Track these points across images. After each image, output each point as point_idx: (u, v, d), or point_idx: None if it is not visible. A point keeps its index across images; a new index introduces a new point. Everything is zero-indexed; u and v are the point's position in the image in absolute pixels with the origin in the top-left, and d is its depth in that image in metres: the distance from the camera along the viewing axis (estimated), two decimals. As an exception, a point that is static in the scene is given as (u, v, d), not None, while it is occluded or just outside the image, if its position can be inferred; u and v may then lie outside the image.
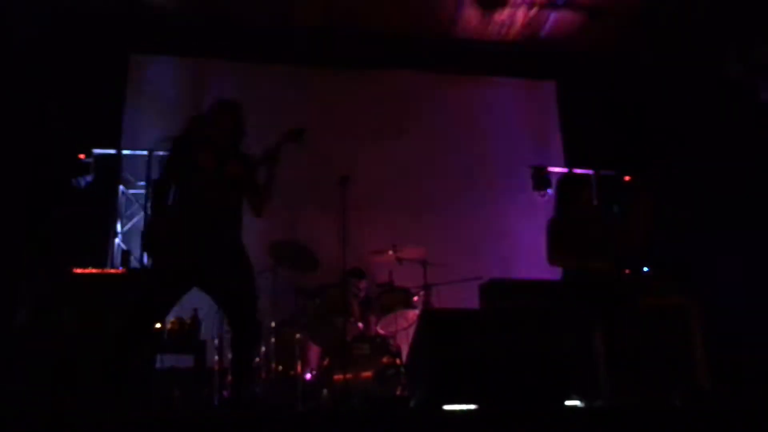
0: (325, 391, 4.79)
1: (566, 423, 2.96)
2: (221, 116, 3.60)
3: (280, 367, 5.16)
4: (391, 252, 5.49)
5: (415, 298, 5.37)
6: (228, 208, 3.52)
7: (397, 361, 4.86)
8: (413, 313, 5.32)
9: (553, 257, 4.33)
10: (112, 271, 4.89)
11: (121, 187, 6.26)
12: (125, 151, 6.27)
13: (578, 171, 6.77)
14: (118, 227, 6.21)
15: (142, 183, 6.21)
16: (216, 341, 4.99)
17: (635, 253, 4.60)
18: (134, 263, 5.66)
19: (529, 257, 6.32)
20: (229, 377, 4.19)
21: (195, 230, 3.37)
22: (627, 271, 5.39)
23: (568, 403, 3.62)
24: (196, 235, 3.36)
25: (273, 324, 5.17)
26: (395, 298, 5.32)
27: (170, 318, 4.87)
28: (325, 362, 4.94)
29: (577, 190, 4.40)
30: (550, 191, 6.52)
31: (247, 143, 3.70)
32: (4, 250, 5.39)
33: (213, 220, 3.43)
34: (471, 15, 6.92)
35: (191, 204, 3.42)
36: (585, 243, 4.27)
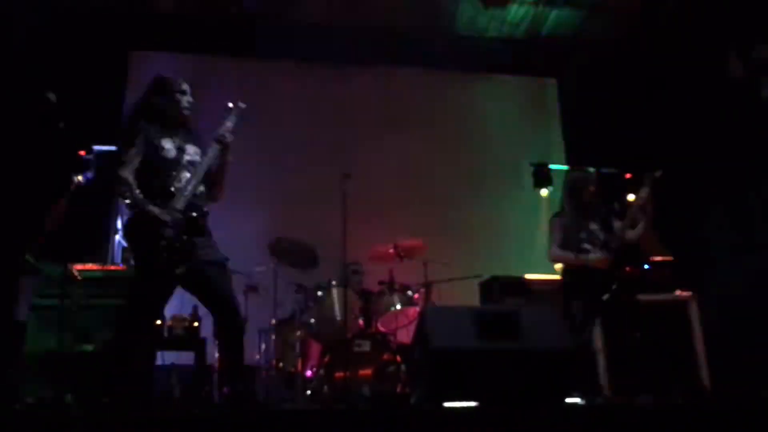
0: (325, 388, 4.79)
1: (566, 420, 2.96)
2: (165, 95, 3.50)
3: (281, 365, 5.17)
4: (391, 249, 5.49)
5: (416, 296, 5.36)
6: (193, 194, 3.39)
7: (398, 358, 4.86)
8: (414, 311, 5.31)
9: (555, 254, 4.33)
10: (112, 267, 4.88)
11: (122, 184, 6.25)
12: (126, 148, 6.25)
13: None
14: (118, 224, 6.20)
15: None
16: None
17: (636, 250, 4.59)
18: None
19: (530, 254, 6.33)
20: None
21: (165, 221, 3.27)
22: (627, 268, 5.38)
23: (568, 400, 3.62)
24: (167, 225, 3.27)
25: (274, 321, 5.17)
26: (396, 295, 5.31)
27: (171, 315, 4.88)
28: (326, 359, 4.94)
29: (581, 187, 4.41)
30: (551, 188, 6.50)
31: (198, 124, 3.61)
32: (4, 249, 5.39)
33: (180, 207, 3.32)
34: (472, 12, 6.92)
35: (156, 193, 3.32)
36: (586, 240, 4.27)
